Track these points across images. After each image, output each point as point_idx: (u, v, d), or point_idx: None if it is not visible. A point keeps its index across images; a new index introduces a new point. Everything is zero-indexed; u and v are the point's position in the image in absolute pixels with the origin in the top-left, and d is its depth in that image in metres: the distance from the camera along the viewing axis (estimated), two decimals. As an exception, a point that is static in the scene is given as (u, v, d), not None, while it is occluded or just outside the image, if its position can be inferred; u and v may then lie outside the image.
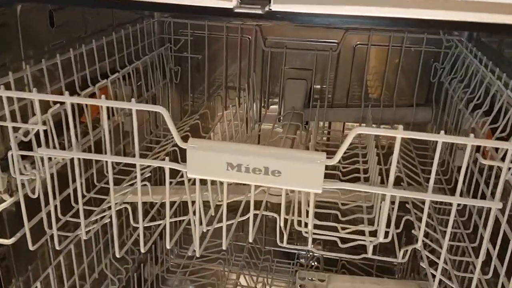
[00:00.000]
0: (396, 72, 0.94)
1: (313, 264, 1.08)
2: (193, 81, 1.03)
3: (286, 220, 0.54)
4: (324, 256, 1.06)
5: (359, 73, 0.96)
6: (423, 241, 0.56)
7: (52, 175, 0.59)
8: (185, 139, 0.44)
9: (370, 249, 0.54)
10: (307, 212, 0.60)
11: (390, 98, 0.95)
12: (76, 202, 0.67)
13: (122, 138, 0.78)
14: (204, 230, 0.57)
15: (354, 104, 0.98)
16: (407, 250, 0.54)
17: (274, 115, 0.99)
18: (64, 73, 0.65)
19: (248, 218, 0.57)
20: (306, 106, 0.96)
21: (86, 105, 0.64)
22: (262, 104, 1.01)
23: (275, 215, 0.57)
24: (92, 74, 0.71)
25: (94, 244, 0.80)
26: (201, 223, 0.54)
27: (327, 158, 0.42)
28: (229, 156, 0.43)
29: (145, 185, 0.65)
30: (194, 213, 0.53)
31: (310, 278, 0.81)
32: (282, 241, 0.56)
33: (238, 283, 1.04)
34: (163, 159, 0.46)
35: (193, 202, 0.52)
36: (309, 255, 1.04)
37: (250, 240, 0.51)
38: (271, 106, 1.02)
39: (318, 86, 0.98)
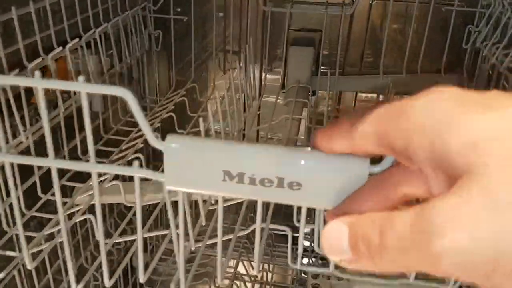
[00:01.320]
0: (421, 37, 0.78)
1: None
2: (178, 49, 0.87)
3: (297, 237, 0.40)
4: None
5: (376, 35, 0.82)
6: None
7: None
8: (165, 128, 0.29)
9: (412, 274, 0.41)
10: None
11: (413, 66, 0.80)
12: (43, 192, 0.53)
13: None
14: (193, 248, 0.44)
15: (368, 72, 0.84)
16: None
17: (275, 90, 0.84)
18: (5, 40, 0.49)
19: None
20: (313, 73, 0.81)
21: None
22: (261, 75, 0.86)
23: (287, 228, 0.43)
24: (45, 42, 0.55)
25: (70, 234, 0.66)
26: (187, 239, 0.40)
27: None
28: (226, 161, 0.29)
29: (115, 184, 0.51)
30: (177, 226, 0.39)
31: (324, 276, 0.67)
32: (295, 262, 0.42)
33: (237, 273, 0.91)
34: (130, 164, 0.32)
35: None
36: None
37: (255, 273, 0.37)
38: (271, 78, 0.86)
39: (326, 52, 0.84)
